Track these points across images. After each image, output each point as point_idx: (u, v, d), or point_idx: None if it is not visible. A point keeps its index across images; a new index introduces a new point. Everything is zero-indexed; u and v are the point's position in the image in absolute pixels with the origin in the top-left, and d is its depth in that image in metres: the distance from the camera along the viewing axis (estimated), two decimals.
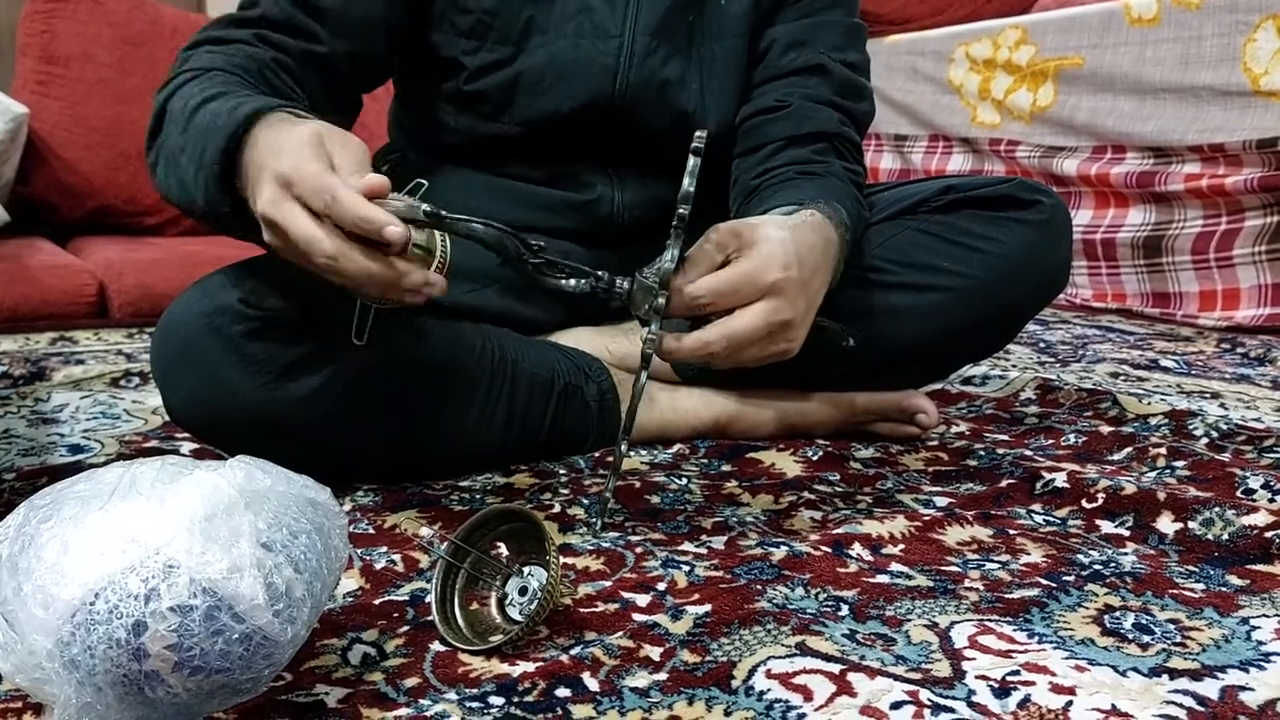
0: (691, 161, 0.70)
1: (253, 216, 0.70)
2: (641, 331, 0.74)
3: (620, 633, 0.62)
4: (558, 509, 0.85)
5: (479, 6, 0.99)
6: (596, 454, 1.01)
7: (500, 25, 1.00)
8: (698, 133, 0.71)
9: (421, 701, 0.55)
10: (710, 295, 0.74)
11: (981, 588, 0.69)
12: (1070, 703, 0.54)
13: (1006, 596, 0.68)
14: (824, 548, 0.77)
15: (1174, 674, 0.58)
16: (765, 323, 0.74)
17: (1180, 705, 0.54)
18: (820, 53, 1.05)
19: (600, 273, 0.74)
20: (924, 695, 0.55)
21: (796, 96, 1.03)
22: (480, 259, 0.96)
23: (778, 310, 0.74)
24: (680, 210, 0.70)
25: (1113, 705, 0.54)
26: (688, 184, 0.70)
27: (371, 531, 0.80)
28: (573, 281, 0.74)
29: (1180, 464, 0.95)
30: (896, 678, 0.57)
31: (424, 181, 0.70)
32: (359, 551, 0.75)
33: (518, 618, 0.63)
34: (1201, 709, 0.54)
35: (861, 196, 0.99)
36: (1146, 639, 0.62)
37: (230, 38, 0.90)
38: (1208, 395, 1.29)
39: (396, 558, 0.74)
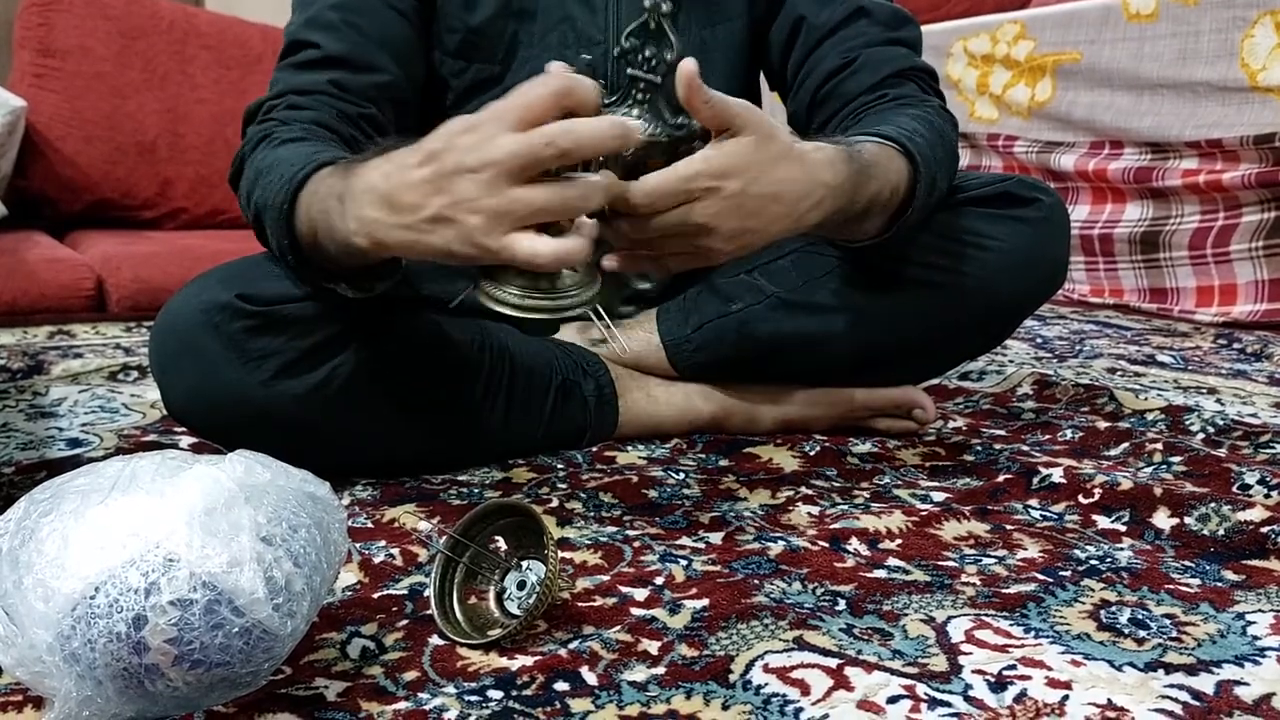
0: None
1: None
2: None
3: (618, 627, 0.63)
4: (556, 503, 0.85)
5: (464, 25, 0.99)
6: (594, 449, 1.01)
7: (486, 43, 1.00)
8: None
9: (420, 695, 0.55)
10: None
11: (978, 582, 0.70)
12: (1066, 697, 0.55)
13: (1003, 591, 0.68)
14: (821, 542, 0.77)
15: (1170, 669, 0.58)
16: (678, 175, 0.70)
17: (1176, 700, 0.55)
18: None
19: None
20: (921, 689, 0.55)
21: (858, 48, 1.00)
22: None
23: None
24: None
25: (1109, 700, 0.54)
26: None
27: (370, 525, 0.80)
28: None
29: (1177, 459, 0.95)
30: (893, 672, 0.57)
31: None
32: (358, 545, 0.75)
33: (516, 612, 0.63)
34: (1197, 704, 0.54)
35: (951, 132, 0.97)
36: (1142, 634, 0.62)
37: (308, 87, 0.91)
38: (1204, 391, 1.29)
39: (395, 552, 0.74)
